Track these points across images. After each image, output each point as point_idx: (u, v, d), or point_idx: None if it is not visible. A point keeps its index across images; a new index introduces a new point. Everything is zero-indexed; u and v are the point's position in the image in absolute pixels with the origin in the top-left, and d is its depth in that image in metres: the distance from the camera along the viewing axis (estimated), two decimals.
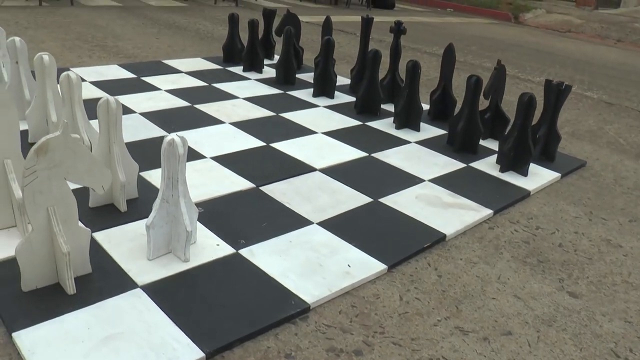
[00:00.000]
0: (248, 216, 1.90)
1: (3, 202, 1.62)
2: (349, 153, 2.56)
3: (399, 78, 3.38)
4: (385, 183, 2.29)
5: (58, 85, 2.11)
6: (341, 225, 1.91)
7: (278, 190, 2.11)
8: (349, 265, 1.69)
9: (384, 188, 2.24)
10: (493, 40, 7.54)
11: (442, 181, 2.38)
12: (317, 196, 2.10)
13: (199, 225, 1.79)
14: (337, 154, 2.53)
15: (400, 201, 2.15)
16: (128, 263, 1.58)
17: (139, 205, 1.89)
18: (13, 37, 2.36)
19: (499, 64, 2.91)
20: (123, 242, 1.67)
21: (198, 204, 1.88)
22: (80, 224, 1.45)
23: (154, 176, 2.11)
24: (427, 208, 2.12)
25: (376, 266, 1.72)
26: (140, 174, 2.06)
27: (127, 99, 2.96)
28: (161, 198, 1.54)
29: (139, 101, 2.95)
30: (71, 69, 3.44)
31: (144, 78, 3.40)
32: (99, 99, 2.88)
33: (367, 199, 2.13)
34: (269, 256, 1.69)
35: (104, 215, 1.80)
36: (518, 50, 6.93)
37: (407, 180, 2.35)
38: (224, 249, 1.69)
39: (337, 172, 2.33)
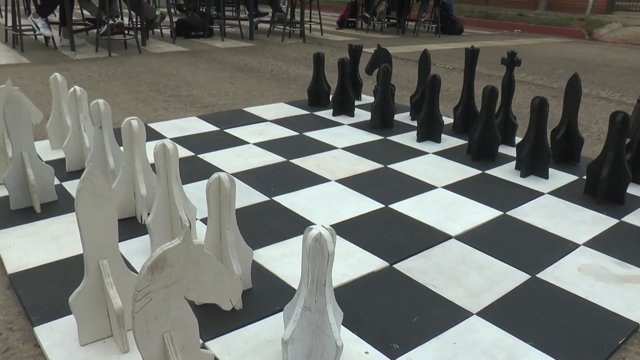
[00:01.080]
0: (391, 307, 1.53)
1: (98, 309, 1.31)
2: (481, 212, 2.16)
3: (512, 116, 2.98)
4: (536, 251, 1.88)
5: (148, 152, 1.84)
6: (506, 316, 1.52)
7: (416, 269, 1.74)
8: None
9: (537, 258, 1.83)
10: (577, 62, 7.02)
11: (600, 244, 1.95)
12: (464, 274, 1.72)
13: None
14: (468, 214, 2.14)
15: (561, 276, 1.74)
16: None
17: (256, 298, 1.55)
18: (97, 100, 2.11)
19: None
20: (246, 355, 1.33)
21: None
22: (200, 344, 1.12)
23: (265, 256, 1.78)
24: (597, 284, 1.70)
25: None
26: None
27: (214, 157, 2.68)
28: (302, 306, 1.19)
29: (227, 159, 2.66)
30: (149, 124, 3.21)
31: (227, 130, 3.12)
32: (184, 158, 2.65)
33: (523, 276, 1.72)
34: None
35: (217, 316, 1.47)
36: (608, 70, 6.39)
37: (559, 245, 1.93)
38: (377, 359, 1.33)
39: (476, 239, 1.95)
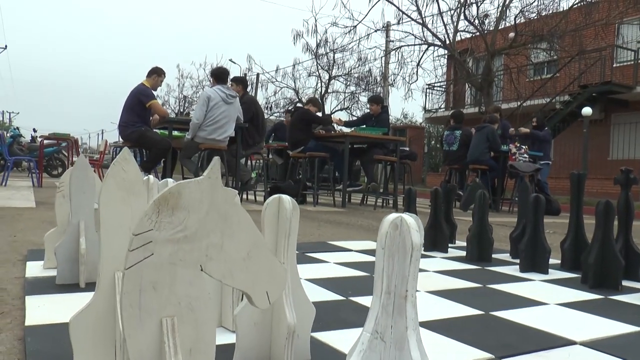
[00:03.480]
0: None
1: (104, 338, 1.00)
2: (612, 326, 1.69)
3: (634, 244, 2.54)
4: None
5: None
6: None
7: None
8: None
9: None
10: None
11: None
12: None
13: None
14: (594, 326, 1.68)
15: None
16: None
17: None
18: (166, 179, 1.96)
19: None
20: None
21: None
22: None
23: (332, 338, 1.41)
24: None
25: None
26: (312, 334, 1.39)
27: None
28: (372, 331, 0.84)
29: (303, 271, 2.36)
30: None
31: (308, 254, 2.87)
32: None
33: None
34: None
35: None
36: None
37: None
38: None
39: (611, 348, 1.48)
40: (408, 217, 0.83)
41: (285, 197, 1.14)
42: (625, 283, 2.39)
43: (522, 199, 2.96)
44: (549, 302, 1.97)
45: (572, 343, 1.50)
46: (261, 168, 9.46)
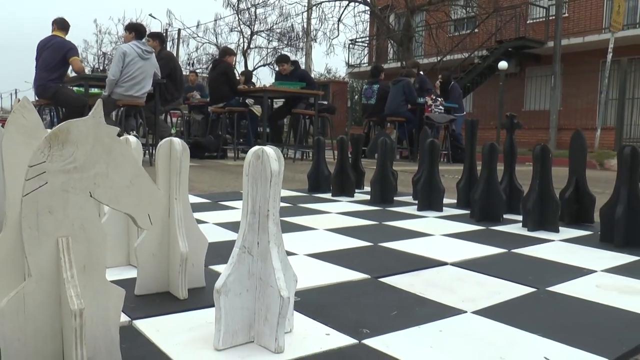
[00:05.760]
0: (368, 306, 1.30)
1: (14, 275, 1.11)
2: (483, 249, 1.95)
3: (517, 182, 2.83)
4: (545, 274, 1.64)
5: None
6: (510, 314, 1.27)
7: (403, 282, 1.51)
8: (546, 359, 1.03)
9: (547, 278, 1.59)
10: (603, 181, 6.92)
11: (620, 271, 1.70)
12: (459, 287, 1.48)
13: (297, 314, 1.20)
14: (467, 250, 1.93)
15: (577, 290, 1.49)
16: (185, 356, 0.99)
17: (207, 295, 1.33)
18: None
19: None
20: (179, 332, 1.10)
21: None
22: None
23: None
24: (621, 297, 1.44)
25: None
26: (210, 267, 1.55)
27: (197, 216, 2.51)
28: (240, 246, 1.00)
29: (212, 216, 2.50)
30: None
31: (220, 202, 3.01)
32: None
33: (529, 289, 1.48)
34: (415, 346, 1.06)
35: (154, 302, 1.27)
36: None
37: (572, 271, 1.69)
38: (338, 339, 1.09)
39: (476, 265, 1.72)
40: (268, 149, 0.98)
41: (176, 140, 1.27)
42: (508, 216, 2.68)
43: (422, 145, 3.19)
44: (434, 234, 2.21)
45: (444, 264, 1.73)
46: (182, 125, 9.39)
